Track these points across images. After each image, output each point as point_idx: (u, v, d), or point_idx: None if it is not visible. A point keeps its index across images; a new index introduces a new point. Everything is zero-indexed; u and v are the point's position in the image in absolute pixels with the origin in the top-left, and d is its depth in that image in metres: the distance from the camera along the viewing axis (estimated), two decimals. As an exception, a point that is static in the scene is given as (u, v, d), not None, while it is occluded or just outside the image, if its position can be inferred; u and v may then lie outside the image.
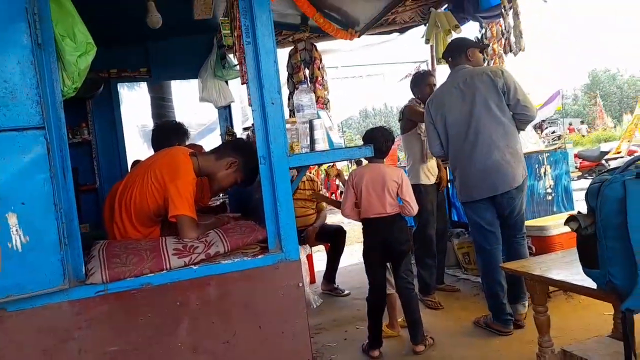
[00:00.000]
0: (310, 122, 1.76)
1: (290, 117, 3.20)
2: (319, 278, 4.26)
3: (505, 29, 3.57)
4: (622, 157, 7.74)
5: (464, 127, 2.73)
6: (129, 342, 1.54)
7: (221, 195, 3.38)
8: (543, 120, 18.03)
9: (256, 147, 1.67)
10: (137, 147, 7.62)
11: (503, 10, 3.46)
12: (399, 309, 2.85)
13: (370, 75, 11.74)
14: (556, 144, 4.42)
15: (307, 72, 4.71)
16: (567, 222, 1.69)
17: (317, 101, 4.49)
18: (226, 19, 2.73)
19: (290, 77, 4.71)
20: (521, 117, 2.71)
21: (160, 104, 5.17)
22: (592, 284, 1.67)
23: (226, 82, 4.03)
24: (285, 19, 4.27)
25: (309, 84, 4.65)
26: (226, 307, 1.61)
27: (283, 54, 4.84)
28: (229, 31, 2.76)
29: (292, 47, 4.72)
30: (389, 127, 2.81)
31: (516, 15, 3.35)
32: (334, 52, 5.84)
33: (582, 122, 27.81)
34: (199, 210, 2.63)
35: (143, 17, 2.91)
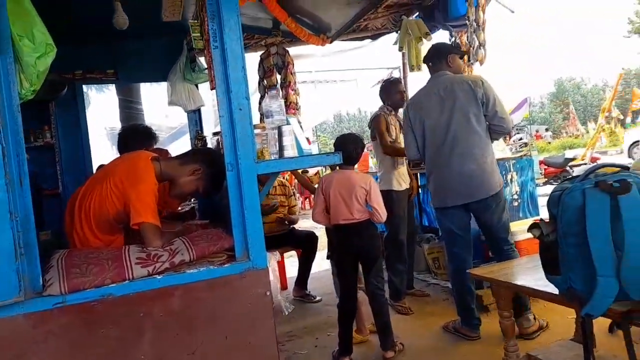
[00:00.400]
0: (279, 129, 1.75)
1: (261, 121, 3.17)
2: (291, 284, 4.24)
3: (467, 39, 3.64)
4: (585, 163, 8.03)
5: (441, 134, 2.75)
6: (89, 356, 1.48)
7: (191, 200, 3.33)
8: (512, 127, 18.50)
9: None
10: (105, 150, 7.43)
11: (467, 21, 3.53)
12: (367, 313, 2.85)
13: (344, 81, 11.85)
14: (522, 151, 4.54)
15: (279, 76, 4.70)
16: (529, 229, 1.73)
17: (289, 106, 4.48)
18: (196, 21, 2.68)
19: (261, 81, 4.69)
20: (497, 129, 2.76)
21: (129, 107, 5.05)
22: (555, 290, 1.71)
23: (196, 85, 3.97)
24: (257, 22, 4.25)
25: (280, 89, 4.63)
26: (191, 318, 1.58)
27: (255, 58, 4.81)
28: (199, 34, 2.72)
29: (264, 50, 4.70)
30: (360, 133, 2.82)
31: (479, 26, 3.42)
32: (308, 57, 5.85)
33: (546, 130, 28.73)
34: (167, 217, 2.58)
35: (110, 17, 2.84)
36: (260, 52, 4.75)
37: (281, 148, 1.74)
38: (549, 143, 22.96)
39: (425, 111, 2.82)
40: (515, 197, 3.72)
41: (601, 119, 8.79)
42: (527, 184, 3.80)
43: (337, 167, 2.76)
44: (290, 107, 4.49)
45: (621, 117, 15.44)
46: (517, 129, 18.89)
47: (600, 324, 1.65)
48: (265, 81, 4.56)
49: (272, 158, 1.82)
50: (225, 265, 1.62)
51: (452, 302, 3.02)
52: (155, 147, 2.94)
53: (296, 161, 1.71)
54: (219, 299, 1.60)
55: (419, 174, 4.54)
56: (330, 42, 4.43)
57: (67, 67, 3.80)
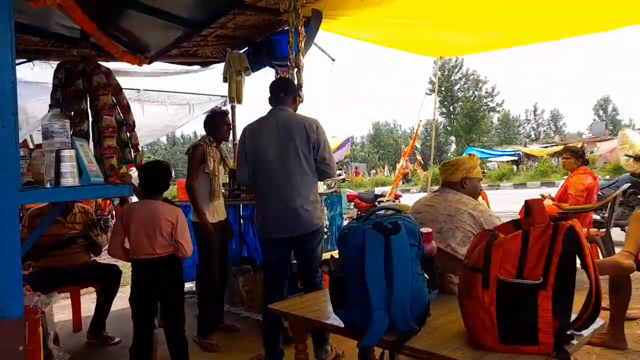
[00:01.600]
0: (57, 153, 1.53)
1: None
2: (87, 324, 3.73)
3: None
4: (389, 199, 9.13)
5: (274, 169, 2.79)
6: None
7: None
8: (336, 163, 20.18)
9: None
10: None
11: (289, 63, 3.73)
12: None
13: (179, 104, 11.37)
14: (341, 186, 4.96)
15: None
16: (321, 266, 1.83)
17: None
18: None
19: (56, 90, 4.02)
20: (323, 173, 2.90)
21: None
22: (342, 323, 1.81)
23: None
24: (63, 30, 3.78)
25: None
26: None
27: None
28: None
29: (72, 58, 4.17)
30: (167, 162, 2.67)
31: (299, 69, 3.64)
32: (128, 74, 5.45)
33: (356, 168, 32.09)
34: None
35: None
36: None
37: (58, 175, 1.51)
38: (365, 179, 25.58)
39: (262, 142, 2.84)
40: (325, 230, 3.96)
41: (403, 162, 10.18)
42: (336, 218, 4.09)
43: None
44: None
45: (422, 161, 18.15)
46: (340, 166, 20.63)
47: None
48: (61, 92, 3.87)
49: (48, 186, 1.57)
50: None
51: (262, 336, 3.01)
52: None
53: (74, 191, 1.50)
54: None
55: (241, 206, 4.56)
56: (149, 62, 4.19)
57: None
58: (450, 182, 2.44)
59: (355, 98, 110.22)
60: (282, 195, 2.79)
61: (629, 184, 5.83)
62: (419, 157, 17.22)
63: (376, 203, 9.27)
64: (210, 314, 3.38)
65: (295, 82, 3.76)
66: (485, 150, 32.09)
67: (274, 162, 2.80)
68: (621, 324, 2.76)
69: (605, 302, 2.92)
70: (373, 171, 31.74)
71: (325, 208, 3.98)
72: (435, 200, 2.35)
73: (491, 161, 29.55)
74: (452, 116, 45.84)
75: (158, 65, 5.56)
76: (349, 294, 1.73)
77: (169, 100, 11.49)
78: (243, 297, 3.95)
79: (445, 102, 45.07)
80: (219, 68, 5.45)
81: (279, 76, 2.96)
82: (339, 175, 11.98)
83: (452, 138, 47.50)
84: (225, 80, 4.40)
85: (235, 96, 4.19)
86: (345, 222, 4.16)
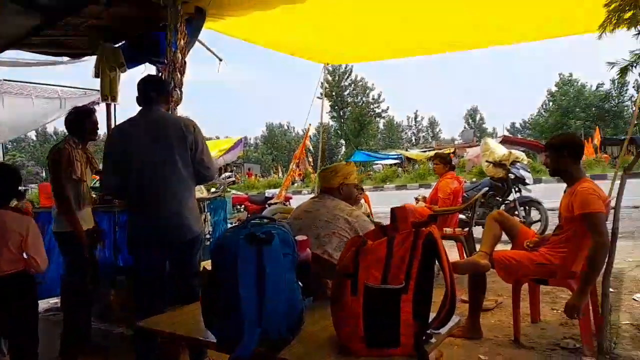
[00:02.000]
0: None
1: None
2: None
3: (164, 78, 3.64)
4: (280, 202, 9.16)
5: (148, 174, 2.58)
6: None
7: None
8: (228, 164, 19.78)
9: None
10: None
11: (166, 61, 3.53)
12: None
13: (48, 98, 10.19)
14: (223, 191, 4.81)
15: None
16: (196, 277, 1.74)
17: None
18: None
19: None
20: (202, 177, 2.77)
21: None
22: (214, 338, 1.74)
23: None
24: None
25: None
26: None
27: None
28: None
29: None
30: (13, 165, 2.36)
31: (176, 68, 3.47)
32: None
33: (249, 169, 32.01)
34: None
35: None
36: None
37: None
38: (258, 181, 25.48)
39: (133, 145, 2.60)
40: (208, 236, 3.83)
41: (293, 164, 10.29)
42: (220, 223, 3.98)
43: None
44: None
45: (312, 163, 18.58)
46: (233, 166, 20.23)
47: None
48: None
49: None
50: None
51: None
52: None
53: None
54: None
55: (116, 212, 4.20)
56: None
57: None
58: (329, 187, 2.50)
59: (250, 99, 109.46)
60: (157, 202, 2.62)
61: (487, 187, 6.57)
62: (310, 159, 17.61)
63: (266, 205, 9.24)
64: (77, 331, 3.06)
65: (175, 81, 3.59)
66: (372, 154, 33.99)
67: (147, 166, 2.61)
68: (478, 315, 3.08)
69: (465, 296, 3.23)
70: (267, 173, 31.77)
71: (209, 213, 3.85)
72: (314, 207, 2.39)
73: (377, 164, 31.35)
74: (342, 120, 47.70)
75: (19, 55, 4.93)
76: (221, 307, 1.67)
77: (35, 92, 10.25)
78: (115, 311, 3.65)
79: (336, 107, 46.77)
80: (93, 61, 5.00)
81: (147, 74, 2.78)
82: (229, 177, 11.79)
83: (342, 141, 49.44)
84: (97, 75, 4.03)
85: (108, 94, 3.85)
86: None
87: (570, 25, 4.70)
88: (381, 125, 53.42)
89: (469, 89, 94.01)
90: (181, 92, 3.45)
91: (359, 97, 47.81)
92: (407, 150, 37.24)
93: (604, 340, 2.73)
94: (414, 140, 56.98)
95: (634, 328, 3.06)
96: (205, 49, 4.90)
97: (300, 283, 1.81)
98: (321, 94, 7.54)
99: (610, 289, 3.46)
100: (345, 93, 47.47)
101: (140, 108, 2.72)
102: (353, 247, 1.64)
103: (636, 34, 2.95)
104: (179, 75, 3.45)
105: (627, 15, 2.84)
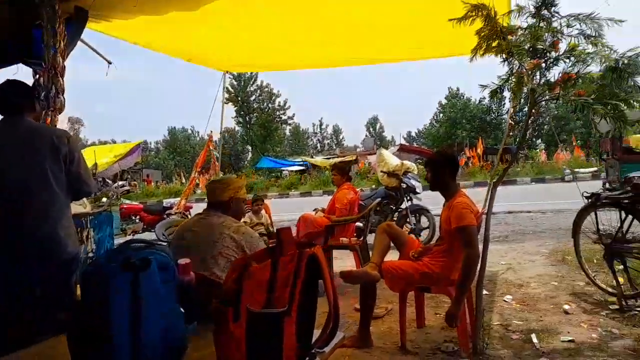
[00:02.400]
0: None
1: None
2: None
3: (43, 83, 3.28)
4: (178, 212, 8.77)
5: (13, 192, 2.32)
6: None
7: None
8: (124, 171, 18.49)
9: None
10: None
11: (44, 63, 3.20)
12: None
13: None
14: (109, 204, 4.44)
15: None
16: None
17: None
18: None
19: None
20: (78, 192, 2.57)
21: None
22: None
23: None
24: None
25: None
26: None
27: None
28: None
29: None
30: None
31: (57, 72, 3.16)
32: None
33: (148, 175, 30.44)
34: None
35: None
36: None
37: None
38: (158, 187, 24.23)
39: (1, 160, 2.33)
40: (91, 254, 3.54)
41: (194, 172, 9.94)
42: (106, 240, 3.70)
43: None
44: None
45: (217, 170, 18.08)
46: (131, 172, 18.96)
47: None
48: None
49: None
50: None
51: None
52: None
53: None
54: None
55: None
56: None
57: None
58: (218, 201, 2.44)
59: (150, 102, 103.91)
60: (24, 222, 2.35)
61: (382, 197, 6.93)
62: (217, 164, 17.15)
63: (164, 215, 8.80)
64: None
65: (57, 87, 3.27)
66: (279, 160, 34.06)
67: (12, 182, 2.34)
68: (368, 325, 3.20)
69: (358, 305, 3.35)
70: (168, 179, 30.24)
71: (92, 229, 3.56)
72: (199, 225, 2.32)
73: (283, 170, 31.46)
74: (248, 126, 47.20)
75: None
76: (91, 341, 1.54)
77: None
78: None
79: (242, 112, 46.20)
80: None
81: (6, 79, 2.49)
82: (122, 186, 11.02)
83: (249, 147, 48.91)
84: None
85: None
86: (128, 238, 3.78)
87: (451, 48, 5.13)
88: (287, 132, 53.84)
89: (371, 99, 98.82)
90: (64, 98, 3.13)
91: (265, 104, 47.73)
92: (312, 157, 37.90)
93: (478, 342, 2.99)
94: (319, 147, 58.22)
95: (503, 328, 3.40)
96: (91, 50, 4.55)
97: (182, 309, 1.74)
98: (222, 101, 7.39)
99: (485, 292, 3.81)
100: (252, 99, 47.10)
101: (2, 117, 2.44)
102: (236, 271, 1.61)
103: (502, 61, 3.29)
104: (61, 81, 3.14)
105: (494, 43, 3.15)
